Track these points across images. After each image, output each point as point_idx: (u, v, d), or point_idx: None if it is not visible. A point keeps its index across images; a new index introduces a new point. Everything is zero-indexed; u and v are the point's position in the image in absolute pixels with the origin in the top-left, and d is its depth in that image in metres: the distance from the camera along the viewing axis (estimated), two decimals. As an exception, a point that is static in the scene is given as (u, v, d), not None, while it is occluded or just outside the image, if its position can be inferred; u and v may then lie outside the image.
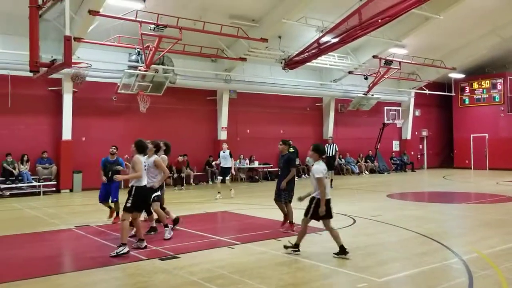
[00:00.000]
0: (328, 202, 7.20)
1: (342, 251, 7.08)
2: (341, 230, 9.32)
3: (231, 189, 14.93)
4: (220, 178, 14.97)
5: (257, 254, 7.43)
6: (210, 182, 20.58)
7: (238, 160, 21.58)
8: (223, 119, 21.38)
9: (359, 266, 6.57)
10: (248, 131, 22.26)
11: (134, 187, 7.61)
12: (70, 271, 6.91)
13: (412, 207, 12.97)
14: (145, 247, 7.75)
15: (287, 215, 9.27)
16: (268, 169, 22.50)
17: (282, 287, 5.70)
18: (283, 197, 9.20)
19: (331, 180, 18.36)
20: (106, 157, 10.53)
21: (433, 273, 6.28)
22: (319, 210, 7.08)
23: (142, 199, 7.74)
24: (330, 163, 17.76)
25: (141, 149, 7.87)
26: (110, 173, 10.15)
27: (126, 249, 7.33)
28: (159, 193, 8.82)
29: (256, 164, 21.99)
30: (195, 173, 20.33)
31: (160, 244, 8.11)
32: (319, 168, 7.17)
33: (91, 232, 9.38)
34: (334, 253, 7.15)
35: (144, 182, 7.77)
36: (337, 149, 18.60)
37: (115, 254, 7.24)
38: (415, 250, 7.66)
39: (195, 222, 10.64)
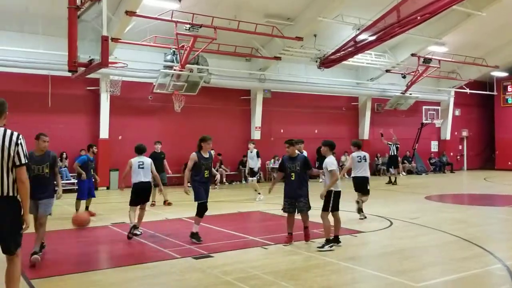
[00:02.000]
0: (338, 194, 7.71)
1: (328, 242, 7.50)
2: (377, 233, 9.15)
3: (258, 193, 14.33)
4: (253, 179, 14.69)
5: (291, 255, 7.32)
6: (244, 182, 20.59)
7: (272, 160, 21.52)
8: (257, 119, 21.34)
9: (395, 270, 6.36)
10: (282, 130, 22.13)
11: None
12: (106, 268, 6.99)
13: (451, 210, 12.54)
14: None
15: (305, 223, 8.10)
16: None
17: (316, 290, 5.59)
18: (303, 206, 7.93)
19: (395, 178, 19.53)
20: (87, 155, 11.41)
21: (474, 279, 6.02)
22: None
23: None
24: (392, 161, 19.82)
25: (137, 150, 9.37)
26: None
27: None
28: None
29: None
30: (228, 173, 20.37)
31: (194, 243, 8.11)
32: (332, 161, 7.72)
33: (127, 230, 9.48)
34: (318, 247, 7.54)
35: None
36: (398, 147, 19.96)
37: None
38: (455, 254, 7.37)
39: (228, 221, 10.63)
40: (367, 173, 10.70)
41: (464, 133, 29.30)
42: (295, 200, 7.92)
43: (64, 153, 16.97)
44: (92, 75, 14.71)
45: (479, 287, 5.73)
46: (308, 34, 18.68)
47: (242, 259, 7.06)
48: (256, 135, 21.31)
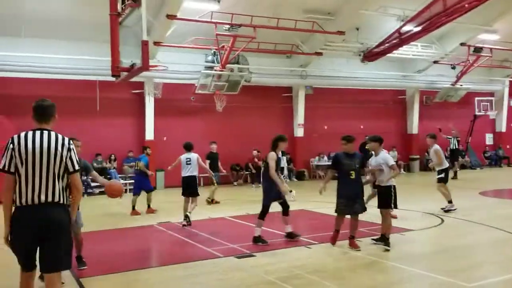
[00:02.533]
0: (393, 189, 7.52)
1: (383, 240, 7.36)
2: (427, 231, 8.78)
3: (290, 190, 14.11)
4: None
5: (335, 254, 7.14)
6: (288, 180, 20.45)
7: (317, 158, 21.26)
8: (299, 116, 21.14)
9: (446, 270, 6.06)
10: (325, 127, 21.82)
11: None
12: (149, 266, 7.07)
13: (507, 206, 11.90)
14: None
15: (353, 231, 7.55)
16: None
17: (361, 290, 5.40)
18: (358, 208, 7.43)
19: (455, 172, 19.08)
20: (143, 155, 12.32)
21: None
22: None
23: None
24: (454, 155, 19.68)
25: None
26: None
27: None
28: None
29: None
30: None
31: (236, 241, 8.08)
32: (389, 156, 7.79)
33: (172, 229, 9.61)
34: (372, 238, 7.63)
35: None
36: (459, 141, 20.14)
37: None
38: (510, 253, 6.95)
39: (272, 220, 10.50)
40: None
41: (521, 125, 27.85)
42: (353, 201, 7.34)
43: (113, 155, 17.48)
44: (136, 79, 15.05)
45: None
46: (350, 28, 18.29)
47: (285, 258, 6.95)
48: (299, 132, 21.12)
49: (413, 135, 24.03)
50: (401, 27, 17.16)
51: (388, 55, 19.13)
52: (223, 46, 16.52)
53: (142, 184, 12.13)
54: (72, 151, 4.08)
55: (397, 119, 24.17)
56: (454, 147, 19.66)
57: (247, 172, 19.69)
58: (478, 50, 21.24)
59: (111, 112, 17.61)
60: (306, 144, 20.73)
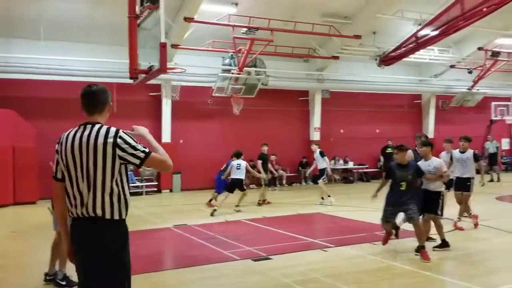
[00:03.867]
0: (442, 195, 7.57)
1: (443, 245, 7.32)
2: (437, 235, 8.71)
3: (328, 196, 13.70)
4: (319, 181, 13.92)
5: (352, 258, 7.15)
6: (304, 183, 20.45)
7: (333, 161, 21.22)
8: (316, 119, 21.13)
9: (464, 275, 6.04)
10: (341, 131, 21.78)
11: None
12: (166, 269, 7.16)
13: (526, 211, 11.76)
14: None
15: (421, 240, 7.07)
16: (364, 170, 21.82)
17: (378, 294, 5.41)
18: (413, 213, 7.03)
19: (498, 175, 19.91)
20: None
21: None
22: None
23: None
24: (492, 159, 20.53)
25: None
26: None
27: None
28: None
29: (351, 165, 21.44)
30: (288, 174, 20.31)
31: (253, 244, 8.14)
32: (442, 161, 7.83)
33: (188, 231, 9.69)
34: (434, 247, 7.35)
35: None
36: (497, 146, 21.00)
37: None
38: (529, 259, 6.89)
39: (288, 223, 10.57)
40: None
41: (539, 130, 27.45)
42: (399, 209, 7.12)
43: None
44: (153, 81, 15.21)
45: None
46: (367, 32, 18.25)
47: (302, 261, 6.98)
48: (316, 136, 21.10)
49: (429, 140, 23.83)
50: (418, 31, 17.06)
51: (405, 59, 19.00)
52: (240, 49, 16.61)
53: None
54: (124, 143, 3.09)
55: (413, 124, 24.00)
56: (492, 151, 20.64)
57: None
58: (495, 54, 21.00)
59: (129, 114, 17.72)
60: (322, 147, 20.43)
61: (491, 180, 19.40)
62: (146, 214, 12.32)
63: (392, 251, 7.52)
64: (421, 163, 7.57)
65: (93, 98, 3.31)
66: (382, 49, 19.03)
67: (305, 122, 21.45)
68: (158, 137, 18.35)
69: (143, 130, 3.44)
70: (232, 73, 17.37)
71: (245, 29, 15.61)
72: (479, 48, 20.75)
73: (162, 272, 6.76)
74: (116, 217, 3.14)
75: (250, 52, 16.47)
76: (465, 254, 7.19)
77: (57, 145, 3.24)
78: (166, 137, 18.26)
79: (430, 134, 23.84)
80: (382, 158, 21.52)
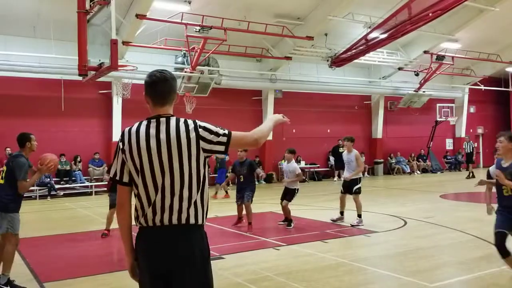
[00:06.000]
0: None
1: None
2: (391, 232, 9.03)
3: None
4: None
5: (303, 256, 7.25)
6: (256, 182, 20.54)
7: (282, 161, 21.44)
8: (269, 119, 21.26)
9: (409, 271, 6.26)
10: (294, 130, 22.05)
11: None
12: (117, 270, 6.98)
13: (467, 208, 12.35)
14: None
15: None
16: (315, 169, 22.20)
17: (328, 291, 5.52)
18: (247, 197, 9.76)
19: (472, 172, 21.33)
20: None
21: (490, 279, 5.89)
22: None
23: None
24: (469, 158, 22.28)
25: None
26: None
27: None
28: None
29: (302, 164, 21.75)
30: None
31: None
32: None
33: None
34: None
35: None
36: (473, 146, 22.70)
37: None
38: (470, 254, 7.23)
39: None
40: None
41: (480, 131, 28.90)
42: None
43: (78, 156, 17.10)
44: (104, 79, 14.81)
45: (495, 287, 5.61)
46: (319, 33, 18.58)
47: (254, 260, 7.01)
48: (269, 135, 21.23)
49: (378, 140, 24.58)
50: (367, 33, 17.55)
51: (355, 61, 19.51)
52: (193, 48, 16.46)
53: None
54: (207, 133, 2.69)
55: (363, 124, 24.66)
56: (469, 151, 22.09)
57: (215, 175, 19.64)
58: (440, 58, 21.91)
59: (77, 112, 17.25)
60: (274, 147, 20.87)
61: (468, 176, 21.07)
62: (95, 214, 11.98)
63: (342, 249, 7.70)
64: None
65: (167, 85, 2.79)
66: (333, 51, 19.44)
67: (258, 122, 21.50)
68: (108, 136, 17.90)
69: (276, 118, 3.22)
70: (185, 72, 17.21)
71: (198, 27, 15.49)
72: (425, 52, 21.58)
73: (111, 274, 6.59)
74: (200, 221, 2.69)
75: (203, 51, 16.36)
76: (412, 250, 7.45)
77: (120, 143, 2.74)
78: (117, 136, 17.81)
79: (379, 134, 24.62)
80: (331, 158, 22.06)
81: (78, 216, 12.24)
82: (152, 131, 2.65)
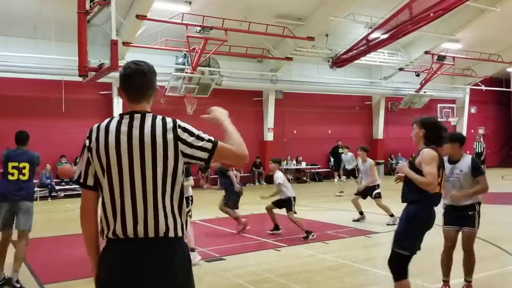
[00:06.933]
0: None
1: None
2: (392, 233, 8.96)
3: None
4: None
5: (304, 257, 7.24)
6: (257, 183, 20.55)
7: (285, 161, 21.43)
8: (269, 120, 21.28)
9: (410, 272, 6.20)
10: (295, 131, 22.05)
11: None
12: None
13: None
14: None
15: None
16: (316, 170, 22.18)
17: (329, 293, 5.50)
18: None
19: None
20: None
21: (492, 279, 5.88)
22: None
23: None
24: (478, 158, 22.20)
25: None
26: None
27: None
28: None
29: (303, 165, 21.74)
30: (242, 174, 20.32)
31: (205, 245, 8.07)
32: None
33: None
34: None
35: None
36: (484, 146, 22.77)
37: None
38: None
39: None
40: None
41: (481, 131, 28.83)
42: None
43: (78, 158, 17.05)
44: (104, 79, 14.77)
45: (497, 288, 5.59)
46: (320, 34, 18.56)
47: (255, 261, 7.00)
48: (269, 136, 21.24)
49: (378, 140, 24.56)
50: (368, 34, 17.53)
51: (356, 61, 19.50)
52: (194, 48, 16.45)
53: None
54: (187, 134, 2.41)
55: (364, 125, 24.65)
56: (479, 151, 22.20)
57: (215, 176, 19.66)
58: (441, 58, 21.89)
59: (78, 113, 17.21)
60: (275, 148, 20.84)
61: None
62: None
63: (343, 250, 7.68)
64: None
65: (144, 80, 2.47)
66: (334, 51, 19.43)
67: (259, 123, 21.54)
68: (109, 137, 17.87)
69: (220, 113, 2.73)
70: (186, 73, 17.20)
71: (198, 28, 15.48)
72: (426, 52, 21.55)
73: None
74: (180, 233, 2.35)
75: (204, 51, 16.35)
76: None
77: (87, 141, 2.42)
78: (117, 136, 17.81)
79: (380, 135, 24.61)
80: (331, 158, 22.05)
81: (78, 217, 12.19)
82: (124, 127, 2.33)
